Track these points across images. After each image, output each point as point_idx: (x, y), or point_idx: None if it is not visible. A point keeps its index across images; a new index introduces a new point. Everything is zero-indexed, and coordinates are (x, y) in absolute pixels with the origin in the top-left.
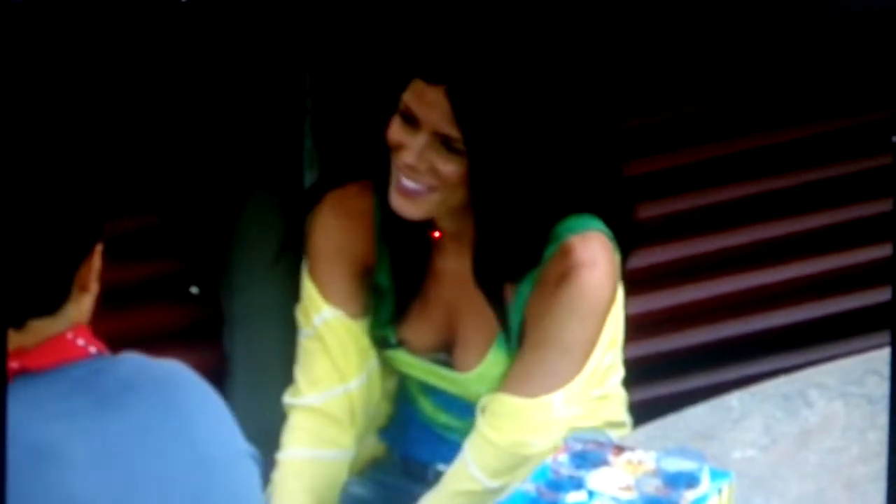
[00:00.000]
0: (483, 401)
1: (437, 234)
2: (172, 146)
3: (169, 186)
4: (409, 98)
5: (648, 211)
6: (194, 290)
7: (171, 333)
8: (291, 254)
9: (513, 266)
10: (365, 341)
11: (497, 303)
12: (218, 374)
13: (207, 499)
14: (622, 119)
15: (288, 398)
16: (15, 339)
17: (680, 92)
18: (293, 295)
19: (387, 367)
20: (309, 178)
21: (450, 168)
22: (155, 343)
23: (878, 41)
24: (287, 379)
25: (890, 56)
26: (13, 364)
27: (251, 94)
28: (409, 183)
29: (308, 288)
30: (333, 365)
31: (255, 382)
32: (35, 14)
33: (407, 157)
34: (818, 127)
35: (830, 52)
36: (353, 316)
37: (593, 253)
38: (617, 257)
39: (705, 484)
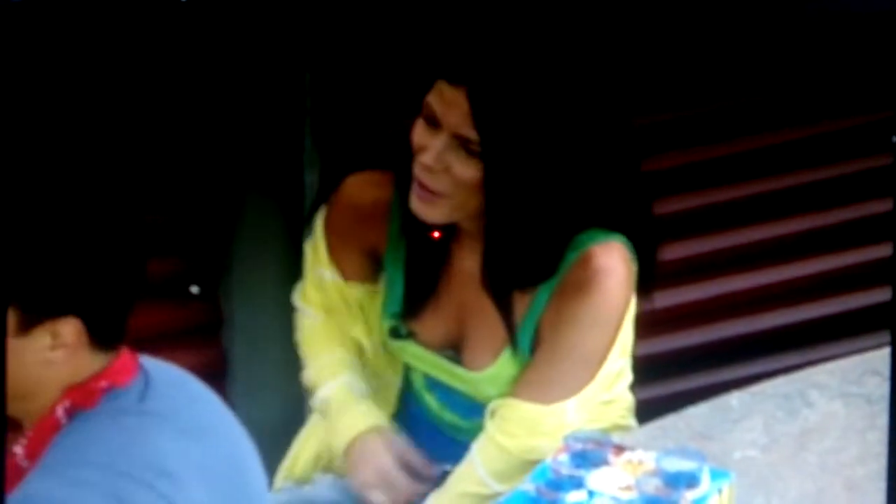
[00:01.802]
0: (493, 405)
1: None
2: (172, 146)
3: (169, 186)
4: (431, 99)
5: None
6: (194, 289)
7: (171, 333)
8: (291, 254)
9: (523, 274)
10: (356, 304)
11: (504, 309)
12: (217, 374)
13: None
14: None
15: (296, 299)
16: (94, 362)
17: (680, 93)
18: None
19: (393, 362)
20: (309, 178)
21: (466, 172)
22: (155, 342)
23: (879, 42)
24: (287, 380)
25: (890, 57)
26: (102, 383)
27: (251, 94)
28: (427, 185)
29: (318, 238)
30: (322, 296)
31: (254, 382)
32: (34, 15)
33: (425, 158)
34: (818, 127)
35: (831, 52)
36: (348, 279)
37: (613, 262)
38: (634, 267)
39: (705, 484)
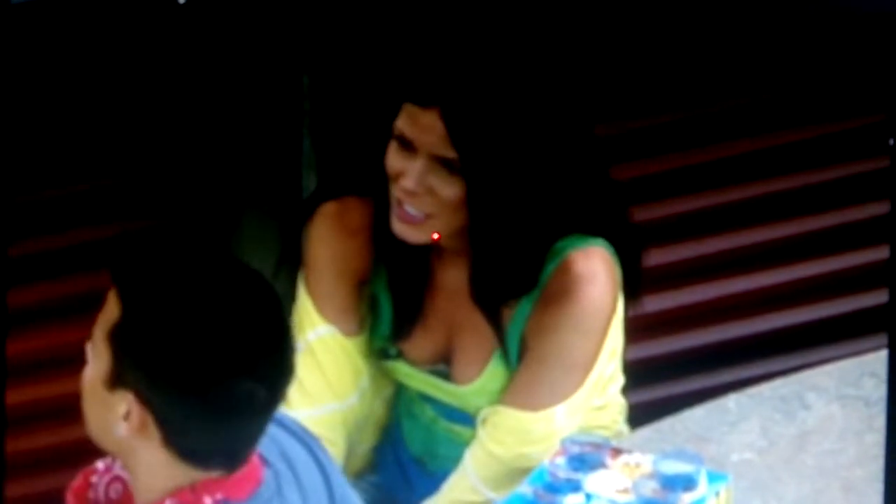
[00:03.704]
0: (484, 412)
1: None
2: (170, 150)
3: (168, 190)
4: (402, 124)
5: (645, 214)
6: None
7: None
8: (283, 253)
9: (511, 286)
10: (358, 360)
11: (496, 322)
12: None
13: None
14: (617, 123)
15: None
16: (184, 470)
17: (676, 95)
18: (292, 297)
19: (385, 374)
20: (307, 180)
21: (449, 191)
22: None
23: (876, 44)
24: None
25: (887, 59)
26: (216, 495)
27: (249, 97)
28: (409, 209)
29: (304, 302)
30: (326, 382)
31: None
32: (33, 18)
33: (406, 183)
34: (815, 130)
35: (828, 55)
36: (348, 333)
37: (594, 268)
38: (617, 270)
39: (702, 486)
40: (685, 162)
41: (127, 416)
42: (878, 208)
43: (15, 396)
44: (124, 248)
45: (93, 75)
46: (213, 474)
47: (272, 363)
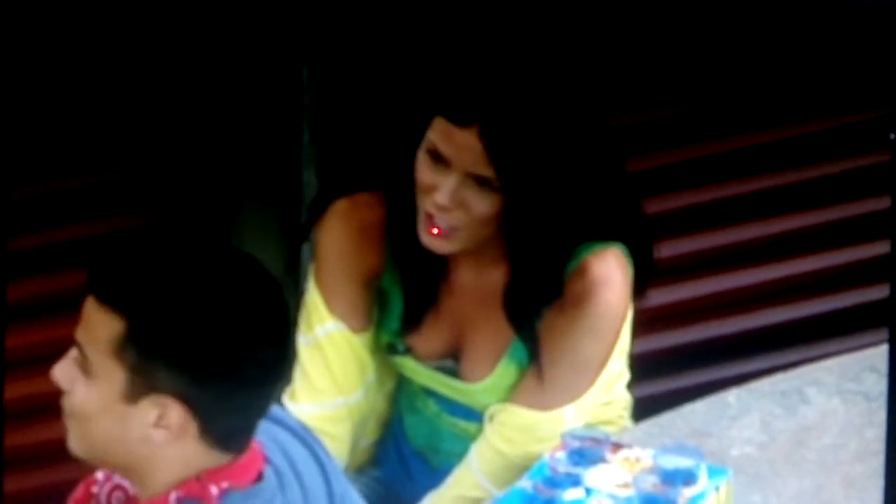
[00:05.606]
0: (492, 409)
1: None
2: (169, 144)
3: (167, 185)
4: (436, 139)
5: (647, 208)
6: None
7: None
8: (291, 252)
9: (543, 296)
10: (365, 356)
11: (529, 335)
12: None
13: None
14: (618, 118)
15: (286, 401)
16: (209, 457)
17: (679, 90)
18: (293, 295)
19: (388, 369)
20: (306, 175)
21: (482, 206)
22: None
23: (878, 38)
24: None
25: (889, 53)
26: (222, 483)
27: (248, 90)
28: (439, 222)
29: (313, 296)
30: (333, 378)
31: None
32: (33, 13)
33: (440, 198)
34: (817, 124)
35: (829, 49)
36: (356, 330)
37: (609, 271)
38: (630, 271)
39: (703, 481)
40: (685, 156)
41: (159, 421)
42: (879, 203)
43: (14, 391)
44: (101, 267)
45: (93, 68)
46: (224, 460)
47: (281, 329)
